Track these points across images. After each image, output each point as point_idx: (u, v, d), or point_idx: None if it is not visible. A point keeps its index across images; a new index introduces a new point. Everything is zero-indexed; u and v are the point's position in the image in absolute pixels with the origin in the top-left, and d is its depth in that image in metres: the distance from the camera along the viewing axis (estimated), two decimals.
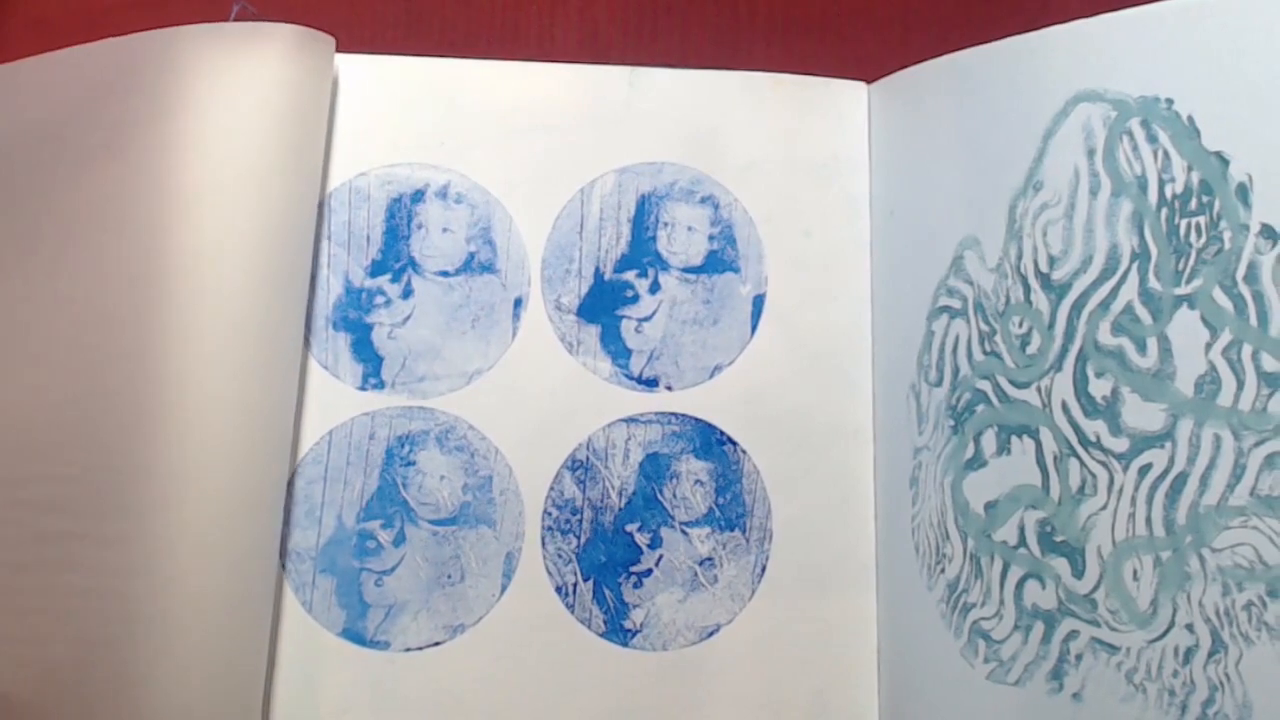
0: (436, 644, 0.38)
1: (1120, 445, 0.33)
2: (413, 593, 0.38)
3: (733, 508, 0.39)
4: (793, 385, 0.40)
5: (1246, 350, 0.31)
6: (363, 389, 0.39)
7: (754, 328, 0.40)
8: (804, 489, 0.40)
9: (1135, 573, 0.32)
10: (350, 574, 0.38)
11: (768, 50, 0.43)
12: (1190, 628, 0.31)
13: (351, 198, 0.39)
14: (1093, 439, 0.33)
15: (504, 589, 0.38)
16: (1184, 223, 0.32)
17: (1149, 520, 0.32)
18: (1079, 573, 0.33)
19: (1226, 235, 0.31)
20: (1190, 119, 0.32)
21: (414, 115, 0.40)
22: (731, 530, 0.39)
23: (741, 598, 0.39)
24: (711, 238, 0.41)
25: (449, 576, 0.38)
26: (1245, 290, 0.31)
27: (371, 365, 0.39)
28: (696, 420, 0.40)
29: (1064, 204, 0.34)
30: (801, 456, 0.40)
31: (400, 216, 0.40)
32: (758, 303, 0.41)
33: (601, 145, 0.41)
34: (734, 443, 0.40)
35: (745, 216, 0.41)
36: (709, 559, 0.39)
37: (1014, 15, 0.40)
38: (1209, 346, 0.31)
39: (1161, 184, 0.32)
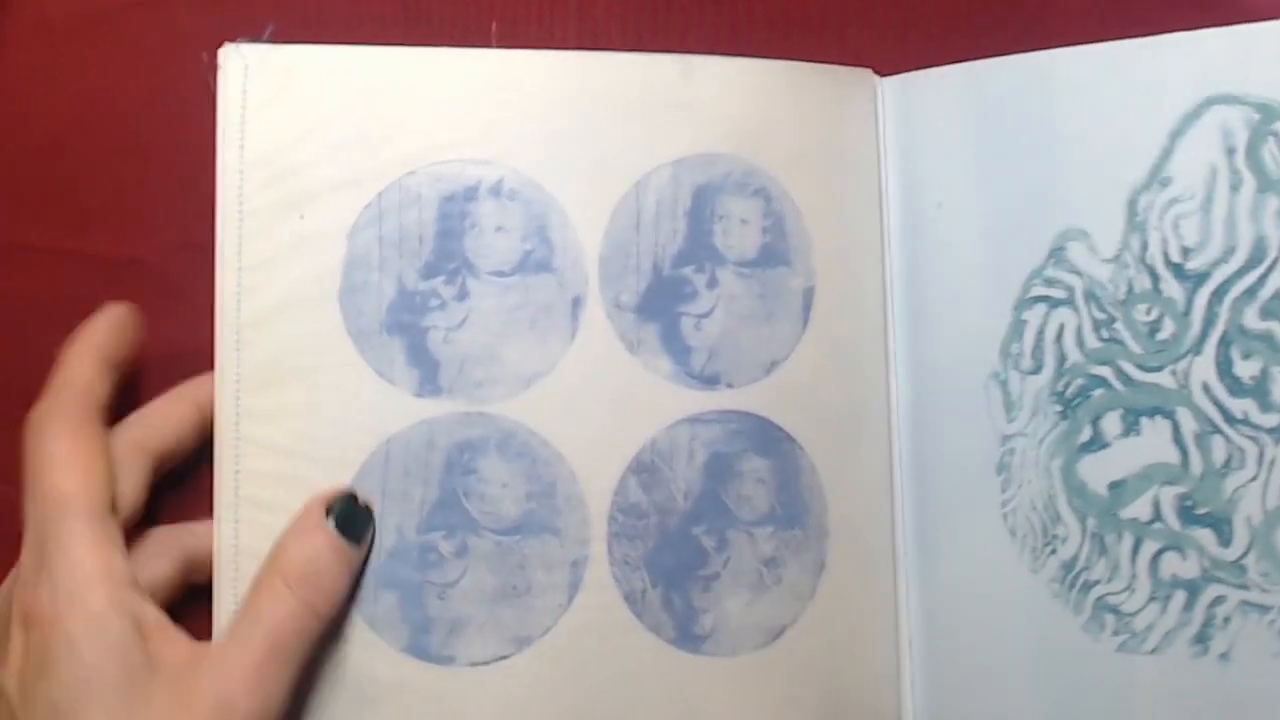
0: (503, 658, 0.36)
1: (1271, 420, 0.36)
2: (477, 605, 0.36)
3: (793, 505, 0.39)
4: (844, 379, 0.40)
5: None
6: (419, 395, 0.37)
7: (805, 321, 0.39)
8: (857, 483, 0.39)
9: None
10: (413, 587, 0.36)
11: (769, 46, 0.42)
12: None
13: (401, 197, 0.38)
14: (1240, 416, 0.36)
15: (571, 599, 0.37)
16: None
17: None
18: (1225, 541, 0.36)
19: None
20: None
21: (460, 110, 0.38)
22: (792, 528, 0.38)
23: (804, 596, 0.38)
24: (764, 230, 0.39)
25: (514, 587, 0.37)
26: None
27: (428, 370, 0.37)
28: (757, 417, 0.39)
29: (1199, 198, 0.36)
30: (853, 450, 0.39)
31: (453, 215, 0.38)
32: (808, 296, 0.39)
33: (655, 137, 0.39)
34: (792, 439, 0.39)
35: (794, 208, 0.40)
36: (773, 559, 0.38)
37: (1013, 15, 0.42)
38: None
39: None
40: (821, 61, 0.41)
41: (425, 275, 0.38)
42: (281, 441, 0.36)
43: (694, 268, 0.39)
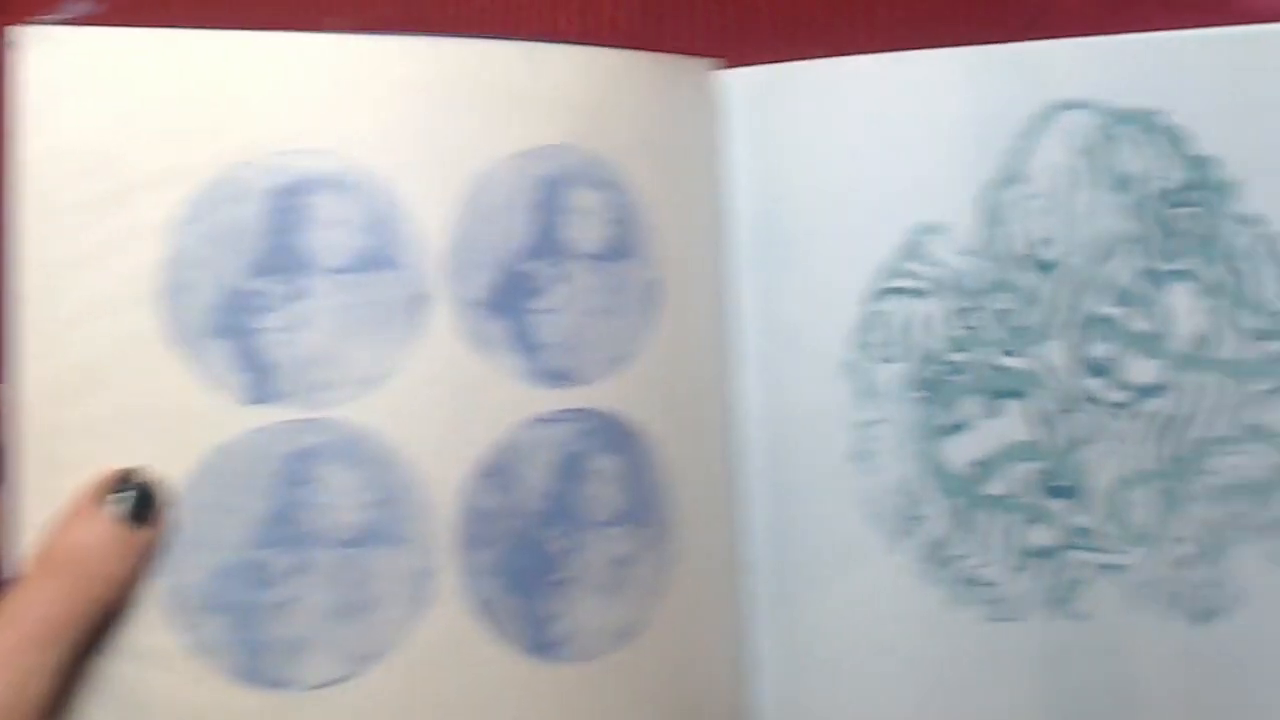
0: (346, 678, 0.34)
1: (1120, 397, 0.39)
2: (317, 624, 0.34)
3: (643, 503, 0.38)
4: (690, 373, 0.39)
5: (1233, 313, 0.39)
6: (250, 402, 0.35)
7: (652, 315, 0.38)
8: (704, 477, 0.39)
9: (1137, 502, 0.39)
10: (245, 609, 0.34)
11: (771, 44, 0.43)
12: (1188, 540, 0.39)
13: (230, 190, 0.35)
14: (1092, 395, 0.39)
15: (419, 611, 0.35)
16: (1176, 211, 0.39)
17: (1149, 457, 0.39)
18: (1082, 510, 0.39)
19: (1215, 222, 0.39)
20: (1181, 128, 0.39)
21: (295, 97, 0.36)
22: (643, 527, 0.37)
23: (655, 595, 0.37)
24: (610, 223, 0.38)
25: (357, 603, 0.35)
26: (1231, 265, 0.39)
27: (260, 375, 0.35)
28: (607, 415, 0.37)
29: (1051, 195, 0.40)
30: (700, 444, 0.39)
31: (287, 209, 0.36)
32: (653, 289, 0.39)
33: (501, 126, 0.37)
34: (641, 435, 0.38)
35: (638, 200, 0.39)
36: (625, 558, 0.37)
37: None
38: (1201, 311, 0.39)
39: (1153, 179, 0.39)
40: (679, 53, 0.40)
41: (256, 273, 0.35)
42: (97, 457, 0.33)
43: (542, 262, 0.37)
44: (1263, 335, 0.39)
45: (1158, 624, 0.38)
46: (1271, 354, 0.39)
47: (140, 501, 0.33)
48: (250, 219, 0.35)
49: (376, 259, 0.36)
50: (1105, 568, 0.39)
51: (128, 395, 0.34)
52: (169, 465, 0.34)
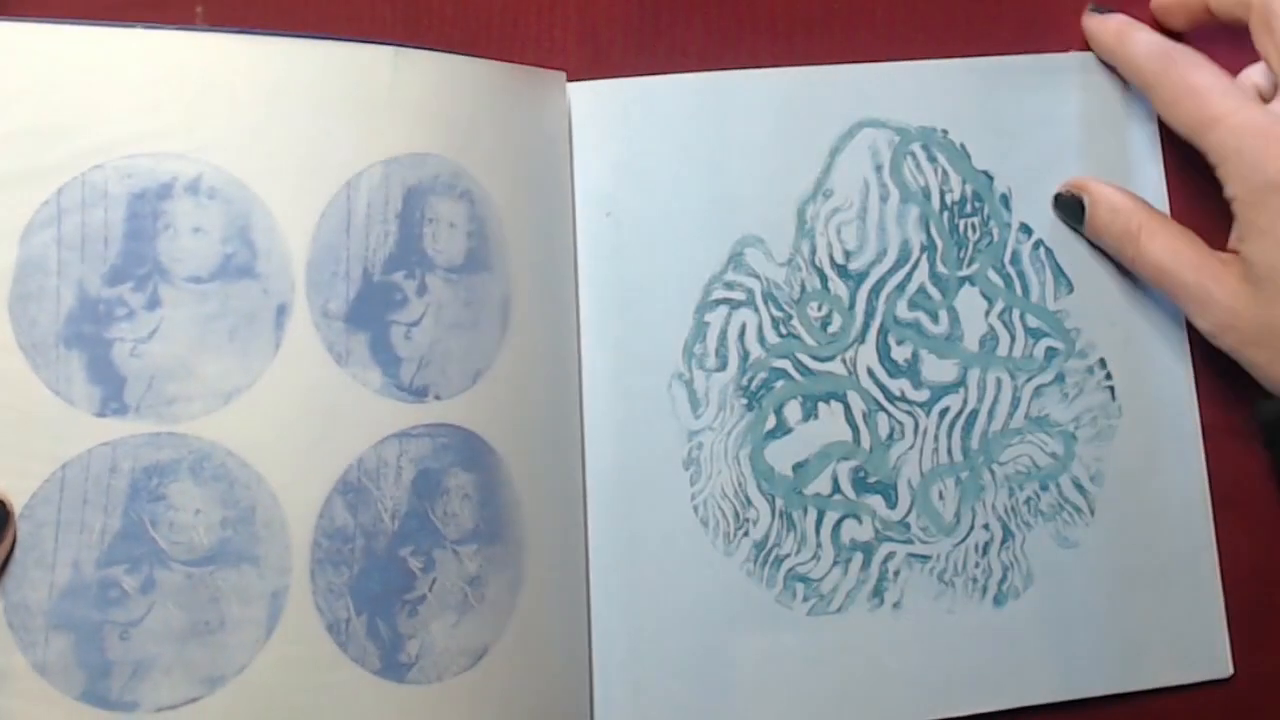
0: (194, 699, 0.34)
1: (922, 396, 0.43)
2: (164, 645, 0.34)
3: (494, 520, 0.38)
4: (540, 388, 0.39)
5: (1015, 314, 0.43)
6: (102, 415, 0.34)
7: (504, 329, 0.39)
8: (553, 493, 0.39)
9: (940, 494, 0.42)
10: (90, 628, 0.33)
11: (771, 48, 0.43)
12: (986, 527, 0.42)
13: (85, 194, 0.34)
14: (898, 394, 0.43)
15: (270, 632, 0.35)
16: (962, 222, 0.44)
17: (950, 450, 0.42)
18: (892, 504, 0.42)
19: (995, 231, 0.44)
20: (962, 145, 0.44)
21: (153, 97, 0.35)
22: (493, 544, 0.38)
23: (504, 613, 0.38)
24: (469, 235, 0.38)
25: (206, 623, 0.34)
26: (1011, 270, 0.44)
27: (112, 387, 0.34)
28: (463, 430, 0.37)
29: (856, 208, 0.43)
30: (549, 460, 0.39)
31: (144, 215, 0.35)
32: (506, 303, 0.39)
33: (367, 133, 0.37)
34: (493, 451, 0.38)
35: (494, 212, 0.39)
36: (476, 577, 0.37)
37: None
38: (987, 313, 0.43)
39: (942, 193, 0.44)
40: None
41: (111, 281, 0.34)
42: None
43: (404, 273, 0.37)
44: (1038, 334, 0.43)
45: (963, 608, 0.41)
46: (1046, 350, 0.43)
47: None
48: (104, 225, 0.35)
49: (235, 268, 0.36)
50: (915, 558, 0.42)
51: None
52: (14, 478, 0.33)
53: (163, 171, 0.35)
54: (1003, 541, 0.42)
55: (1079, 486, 0.43)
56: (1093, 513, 0.43)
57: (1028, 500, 0.42)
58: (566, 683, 0.39)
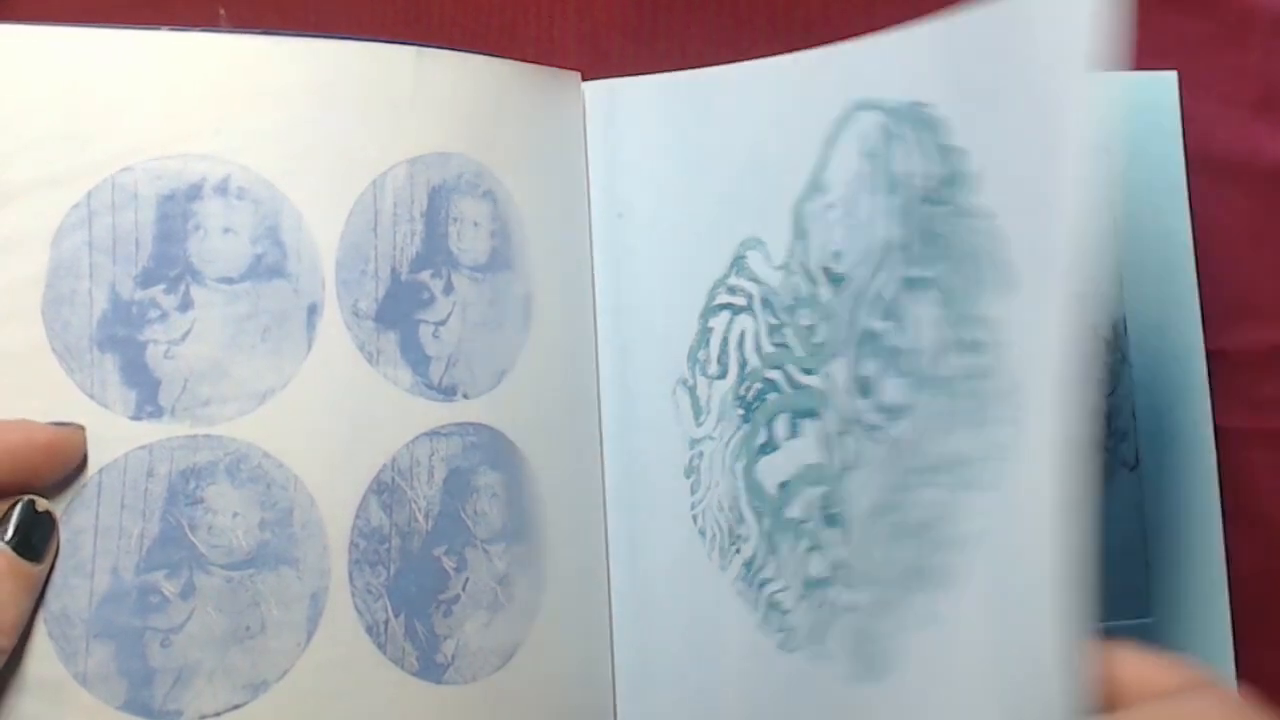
0: (236, 707, 0.33)
1: (877, 419, 0.35)
2: (206, 650, 0.33)
3: (520, 519, 0.38)
4: (561, 388, 0.39)
5: (956, 323, 0.34)
6: (137, 418, 0.34)
7: (526, 329, 0.38)
8: (573, 494, 0.39)
9: (881, 536, 0.35)
10: (132, 636, 0.33)
11: (771, 48, 0.41)
12: (887, 583, 0.34)
13: (115, 197, 0.34)
14: (859, 417, 0.36)
15: (310, 635, 0.34)
16: (932, 211, 0.35)
17: (885, 487, 0.35)
18: (845, 540, 0.36)
19: (953, 221, 0.34)
20: (940, 119, 0.35)
21: (182, 100, 0.35)
22: (520, 543, 0.37)
23: (531, 613, 0.38)
24: (493, 234, 0.38)
25: (247, 628, 0.34)
26: (960, 268, 0.33)
27: (146, 390, 0.34)
28: (489, 429, 0.37)
29: (846, 203, 0.37)
30: (570, 461, 0.39)
31: (174, 217, 0.34)
32: (527, 302, 0.39)
33: (392, 133, 0.37)
34: (517, 450, 0.38)
35: (516, 211, 0.39)
36: (505, 576, 0.37)
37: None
38: (936, 322, 0.34)
39: (919, 178, 0.35)
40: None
41: (143, 283, 0.34)
42: None
43: (430, 272, 0.37)
44: (972, 348, 0.33)
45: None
46: (974, 368, 0.33)
47: (40, 530, 0.32)
48: (135, 227, 0.34)
49: (266, 268, 0.35)
50: (846, 609, 0.36)
51: (8, 411, 0.32)
52: None
53: (191, 172, 0.34)
54: (888, 605, 0.35)
55: None
56: None
57: (918, 557, 0.34)
58: (590, 685, 0.39)
